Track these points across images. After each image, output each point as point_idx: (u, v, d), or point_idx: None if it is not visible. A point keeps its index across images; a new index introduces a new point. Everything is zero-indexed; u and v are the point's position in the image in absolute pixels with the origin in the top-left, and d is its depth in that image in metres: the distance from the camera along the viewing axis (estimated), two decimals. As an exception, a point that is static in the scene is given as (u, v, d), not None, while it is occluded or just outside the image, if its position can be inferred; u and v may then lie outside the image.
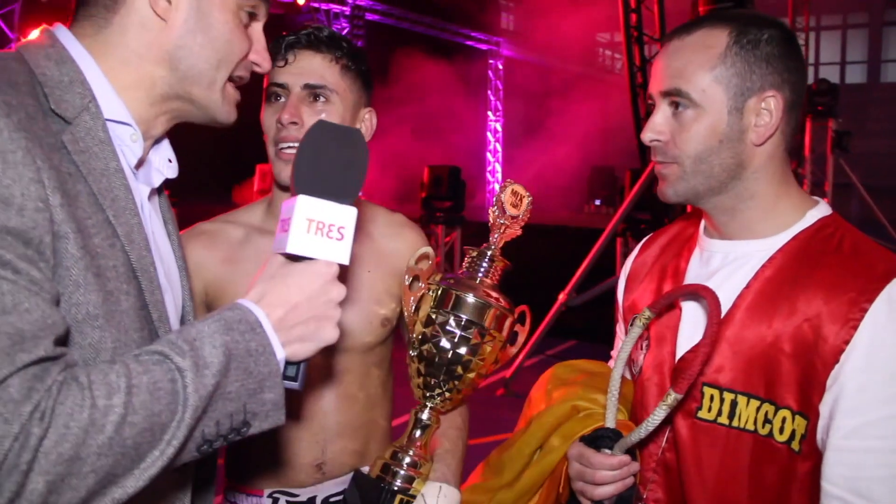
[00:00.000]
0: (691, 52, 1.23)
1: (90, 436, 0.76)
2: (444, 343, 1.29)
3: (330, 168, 0.99)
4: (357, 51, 1.52)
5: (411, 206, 9.17)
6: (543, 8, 15.88)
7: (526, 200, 1.35)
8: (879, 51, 21.58)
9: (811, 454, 1.16)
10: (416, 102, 12.92)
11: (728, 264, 1.28)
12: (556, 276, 7.16)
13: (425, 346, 1.31)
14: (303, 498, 1.51)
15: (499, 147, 18.55)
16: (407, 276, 1.37)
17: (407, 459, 1.32)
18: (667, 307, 1.32)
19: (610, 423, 1.25)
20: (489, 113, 18.43)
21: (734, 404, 1.21)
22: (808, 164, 10.59)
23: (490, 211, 1.34)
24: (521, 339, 1.39)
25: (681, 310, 1.31)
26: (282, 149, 1.45)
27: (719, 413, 1.22)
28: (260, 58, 1.11)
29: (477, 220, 8.50)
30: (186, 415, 0.83)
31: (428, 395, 1.34)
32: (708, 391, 1.23)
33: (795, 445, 1.17)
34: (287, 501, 1.51)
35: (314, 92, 1.46)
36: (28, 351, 0.76)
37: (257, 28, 1.10)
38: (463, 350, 1.29)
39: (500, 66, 18.30)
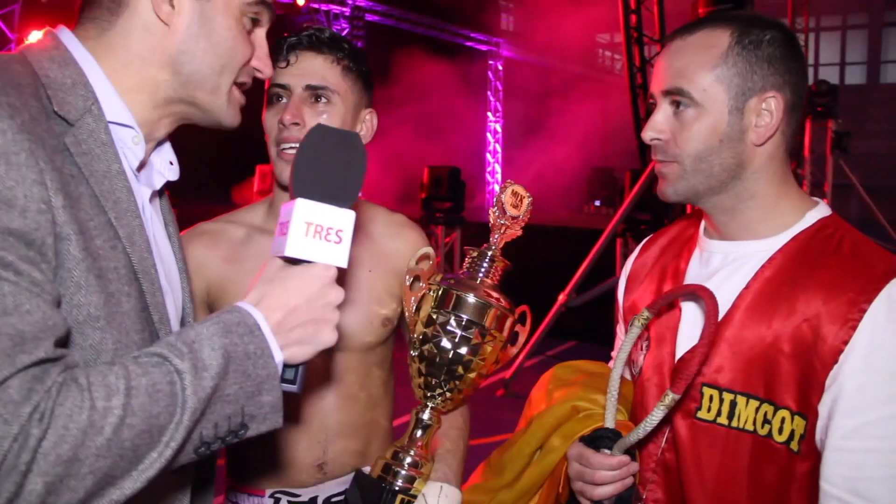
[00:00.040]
0: (693, 52, 1.23)
1: (89, 437, 0.76)
2: (445, 343, 1.30)
3: (328, 171, 0.99)
4: (358, 52, 1.53)
5: (411, 207, 9.17)
6: (543, 9, 15.87)
7: (526, 201, 1.35)
8: (879, 52, 21.56)
9: (810, 454, 1.16)
10: (416, 103, 12.91)
11: (728, 265, 1.28)
12: (556, 277, 7.14)
13: (426, 346, 1.31)
14: (304, 498, 1.51)
15: (498, 148, 18.54)
16: (408, 277, 1.37)
17: (408, 459, 1.32)
18: (666, 307, 1.32)
19: (609, 424, 1.25)
20: (489, 113, 18.43)
21: (733, 404, 1.21)
22: (807, 164, 10.57)
23: (490, 211, 1.34)
24: (521, 339, 1.39)
25: (681, 310, 1.31)
26: (283, 149, 1.46)
27: (718, 413, 1.22)
28: (262, 64, 1.11)
29: (477, 220, 8.51)
30: (185, 417, 0.83)
31: (429, 395, 1.34)
32: (707, 391, 1.23)
33: (794, 446, 1.17)
34: (288, 501, 1.51)
35: (316, 93, 1.46)
36: (28, 352, 0.76)
37: (260, 34, 1.10)
38: (464, 350, 1.30)
39: (500, 67, 18.29)
